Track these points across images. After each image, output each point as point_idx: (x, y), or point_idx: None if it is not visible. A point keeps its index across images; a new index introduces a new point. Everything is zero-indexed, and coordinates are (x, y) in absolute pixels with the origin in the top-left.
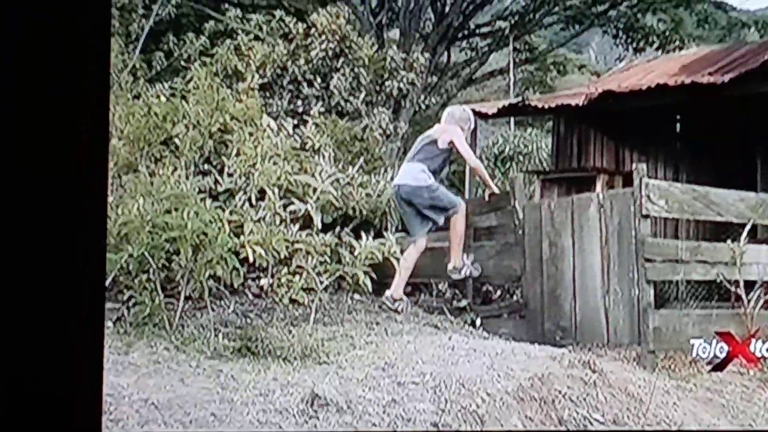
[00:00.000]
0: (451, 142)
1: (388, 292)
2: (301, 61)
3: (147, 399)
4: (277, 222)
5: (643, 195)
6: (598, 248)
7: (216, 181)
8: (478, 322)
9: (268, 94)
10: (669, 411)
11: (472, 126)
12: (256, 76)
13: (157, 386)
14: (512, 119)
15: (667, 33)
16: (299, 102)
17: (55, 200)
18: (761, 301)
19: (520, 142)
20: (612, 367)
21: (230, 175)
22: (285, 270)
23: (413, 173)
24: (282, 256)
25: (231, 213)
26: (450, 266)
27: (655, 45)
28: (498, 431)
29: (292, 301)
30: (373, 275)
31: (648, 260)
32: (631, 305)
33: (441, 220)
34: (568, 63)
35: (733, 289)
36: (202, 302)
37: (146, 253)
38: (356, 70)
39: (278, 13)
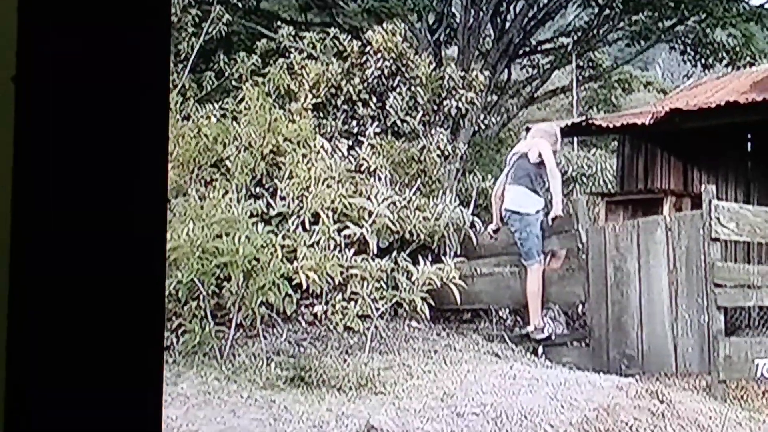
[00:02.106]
0: (540, 155)
1: (529, 327)
2: (356, 80)
3: (197, 431)
4: (332, 246)
5: (713, 217)
6: (665, 273)
7: (268, 205)
8: (540, 350)
9: (321, 114)
10: None
11: (559, 145)
12: (310, 95)
13: (207, 418)
14: (575, 139)
15: (737, 48)
16: (354, 122)
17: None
18: None
19: (584, 162)
20: (681, 398)
21: (283, 198)
22: (339, 296)
23: (516, 198)
24: (336, 282)
25: (284, 237)
26: (530, 328)
27: (725, 61)
28: None
29: (347, 328)
30: (431, 302)
31: (718, 285)
32: (700, 332)
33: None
34: (634, 80)
35: None
36: (254, 330)
37: (196, 279)
38: (413, 89)
39: (332, 30)
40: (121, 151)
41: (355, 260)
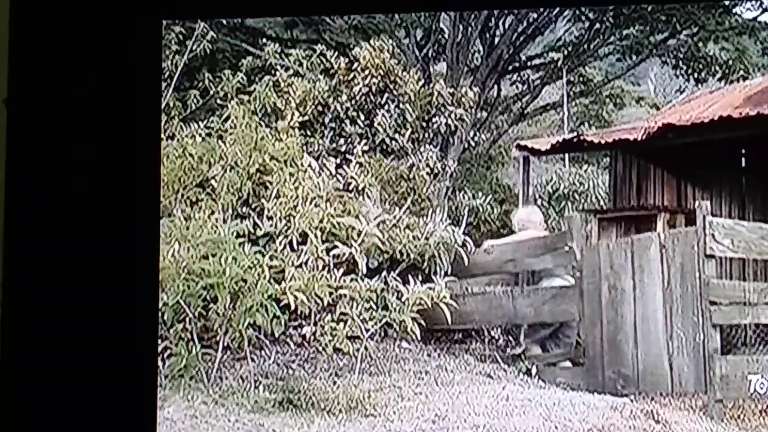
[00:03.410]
0: None
1: None
2: (344, 98)
3: None
4: (320, 267)
5: (707, 234)
6: (660, 291)
7: (255, 225)
8: (533, 370)
9: (309, 132)
10: None
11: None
12: (297, 113)
13: None
14: (567, 156)
15: (730, 62)
16: (342, 140)
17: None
18: None
19: (576, 179)
20: (677, 418)
21: (270, 218)
22: (328, 317)
23: None
24: (325, 303)
25: (271, 258)
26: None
27: (718, 75)
28: None
29: (337, 350)
30: (422, 322)
31: (713, 303)
32: (696, 351)
33: None
34: (626, 95)
35: None
36: (242, 352)
37: (182, 301)
38: (401, 106)
39: (319, 47)
40: (112, 172)
41: (344, 280)
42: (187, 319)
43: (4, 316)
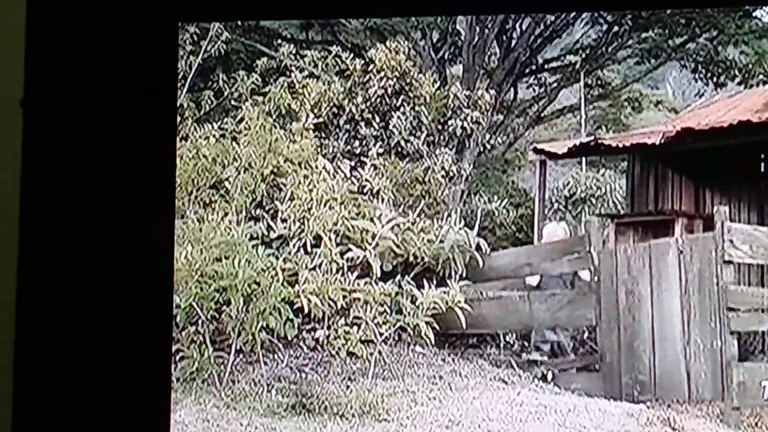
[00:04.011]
0: None
1: None
2: (359, 100)
3: None
4: (334, 270)
5: (726, 240)
6: (677, 297)
7: (269, 227)
8: (549, 376)
9: (323, 134)
10: None
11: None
12: (311, 115)
13: None
14: (584, 159)
15: (749, 66)
16: (357, 143)
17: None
18: None
19: (593, 183)
20: (693, 425)
21: (284, 220)
22: (342, 321)
23: None
24: (339, 306)
25: (285, 261)
26: None
27: (737, 79)
28: None
29: (350, 354)
30: (436, 326)
31: (731, 309)
32: (713, 358)
33: None
34: (644, 99)
35: None
36: (254, 356)
37: (194, 304)
38: (417, 108)
39: (334, 48)
40: (127, 172)
41: (358, 284)
42: (200, 322)
43: (19, 317)
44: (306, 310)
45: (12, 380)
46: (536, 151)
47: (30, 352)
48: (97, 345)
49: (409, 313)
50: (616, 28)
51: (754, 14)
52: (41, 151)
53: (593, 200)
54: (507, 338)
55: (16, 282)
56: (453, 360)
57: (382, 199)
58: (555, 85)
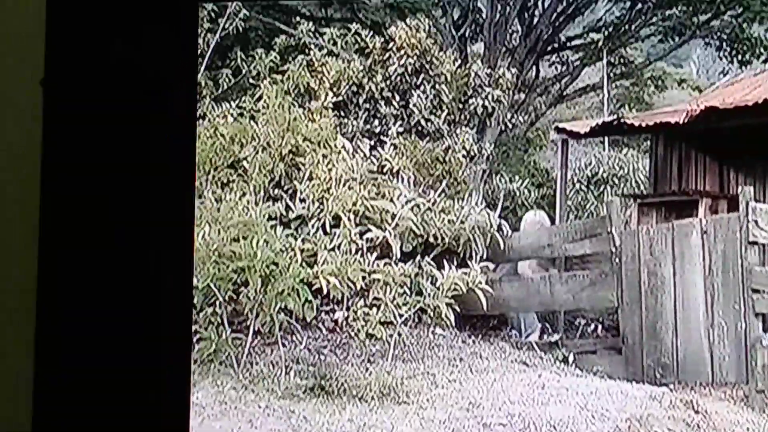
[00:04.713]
0: None
1: None
2: (379, 78)
3: None
4: (353, 251)
5: (750, 220)
6: (701, 278)
7: (287, 207)
8: (570, 358)
9: (342, 113)
10: None
11: None
12: (330, 94)
13: (223, 429)
14: (606, 139)
15: None
16: (376, 122)
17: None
18: None
19: (615, 163)
20: (717, 408)
21: (302, 200)
22: (361, 302)
23: None
24: (358, 287)
25: (303, 241)
26: None
27: (763, 57)
28: None
29: (369, 335)
30: (457, 308)
31: (756, 291)
32: (737, 340)
33: None
34: (667, 78)
35: None
36: (272, 337)
37: (212, 285)
38: (437, 87)
39: (354, 26)
40: (147, 152)
41: (378, 265)
42: (217, 303)
43: (40, 301)
44: (325, 291)
45: (33, 357)
46: (558, 130)
47: (52, 331)
48: (118, 327)
49: (429, 295)
50: (639, 5)
51: None
52: (62, 130)
53: (616, 180)
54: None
55: (37, 258)
56: (473, 342)
57: (402, 179)
58: (577, 63)
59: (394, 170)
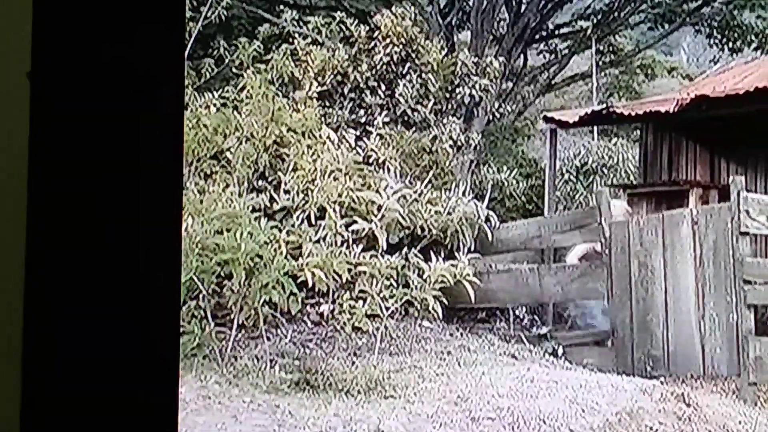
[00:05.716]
0: None
1: None
2: (364, 67)
3: None
4: (339, 242)
5: (742, 210)
6: (691, 269)
7: (271, 199)
8: (560, 351)
9: (327, 103)
10: None
11: None
12: (315, 83)
13: (207, 424)
14: (596, 128)
15: (766, 31)
16: (362, 111)
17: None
18: None
19: (605, 153)
20: (708, 401)
21: (287, 191)
22: (347, 295)
23: None
24: (344, 280)
25: (288, 233)
26: None
27: (754, 45)
28: None
29: (355, 328)
30: (444, 300)
31: (747, 282)
32: (729, 332)
33: None
34: (657, 66)
35: None
36: (257, 331)
37: (195, 278)
38: (424, 76)
39: (338, 14)
40: (134, 146)
41: (364, 257)
42: (201, 296)
43: (27, 294)
44: (310, 284)
45: (21, 353)
46: (547, 119)
47: (39, 328)
48: (105, 324)
49: (416, 287)
50: None
51: None
52: (49, 122)
53: (605, 170)
54: (517, 312)
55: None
56: (461, 335)
57: (388, 170)
58: (566, 51)
59: (380, 161)
